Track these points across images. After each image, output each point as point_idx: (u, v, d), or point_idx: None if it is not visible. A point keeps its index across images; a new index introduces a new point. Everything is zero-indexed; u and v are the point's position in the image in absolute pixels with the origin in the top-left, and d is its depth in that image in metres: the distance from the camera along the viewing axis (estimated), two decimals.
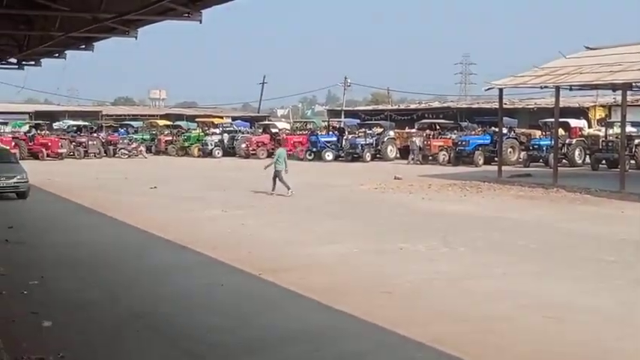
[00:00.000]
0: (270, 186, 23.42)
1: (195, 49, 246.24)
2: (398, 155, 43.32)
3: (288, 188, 22.95)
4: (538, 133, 39.99)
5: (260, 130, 51.85)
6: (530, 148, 37.43)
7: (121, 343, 8.11)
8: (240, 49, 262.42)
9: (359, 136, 44.16)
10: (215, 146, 47.50)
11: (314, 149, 43.11)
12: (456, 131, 42.63)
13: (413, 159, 39.90)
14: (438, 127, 44.45)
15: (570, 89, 31.65)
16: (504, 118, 34.40)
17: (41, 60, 24.85)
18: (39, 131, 47.60)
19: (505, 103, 35.66)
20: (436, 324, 8.83)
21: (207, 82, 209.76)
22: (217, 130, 52.07)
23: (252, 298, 10.28)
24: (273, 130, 50.53)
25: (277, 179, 23.40)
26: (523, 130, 42.18)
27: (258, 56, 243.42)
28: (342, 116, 59.95)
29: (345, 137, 44.09)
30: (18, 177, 21.77)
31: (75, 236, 15.52)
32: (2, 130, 48.25)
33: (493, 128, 38.38)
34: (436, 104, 65.50)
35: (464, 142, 38.63)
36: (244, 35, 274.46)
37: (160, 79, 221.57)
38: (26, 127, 49.59)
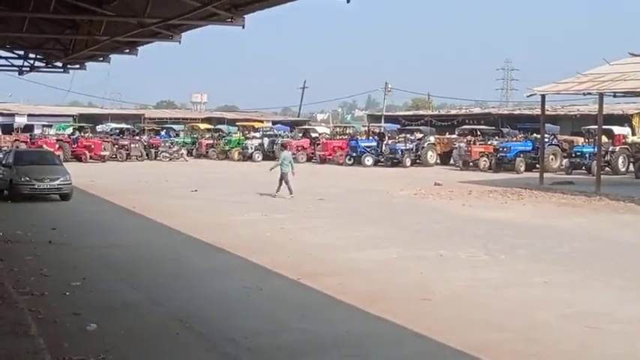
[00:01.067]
0: (285, 192, 23.73)
1: (237, 53, 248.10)
2: (438, 161, 43.19)
3: (291, 192, 23.53)
4: (581, 140, 39.51)
5: (300, 135, 52.03)
6: (573, 155, 36.96)
7: (160, 346, 8.17)
8: (281, 53, 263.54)
9: (399, 142, 44.10)
10: (255, 150, 47.79)
11: (354, 154, 43.13)
12: (497, 137, 42.33)
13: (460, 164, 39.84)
14: (479, 133, 44.19)
15: (614, 96, 31.22)
16: (546, 125, 34.05)
17: (86, 64, 25.29)
18: (82, 134, 48.38)
19: (547, 110, 35.32)
20: (476, 332, 8.75)
21: (248, 86, 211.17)
22: (258, 134, 52.47)
23: (291, 302, 10.29)
24: (313, 135, 50.67)
25: (283, 181, 23.95)
26: (565, 137, 41.71)
27: (299, 61, 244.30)
28: (382, 121, 59.86)
29: (385, 142, 44.03)
30: (61, 179, 22.14)
31: (116, 238, 15.69)
32: (47, 133, 49.09)
33: (535, 135, 37.99)
34: (477, 110, 65.11)
35: (505, 149, 38.30)
36: (286, 40, 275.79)
37: (201, 83, 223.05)
38: (70, 130, 50.41)
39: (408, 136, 45.36)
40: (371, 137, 46.56)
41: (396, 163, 41.69)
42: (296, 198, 23.29)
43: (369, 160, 42.28)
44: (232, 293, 10.70)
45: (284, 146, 34.14)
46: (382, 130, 47.65)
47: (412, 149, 42.75)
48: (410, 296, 10.55)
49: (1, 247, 13.73)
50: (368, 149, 43.44)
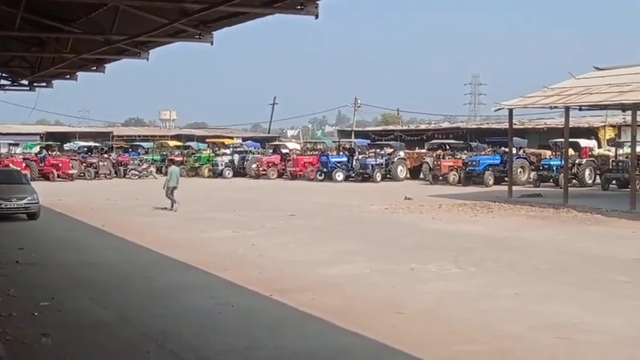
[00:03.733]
0: (168, 203, 25.28)
1: (206, 70, 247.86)
2: (408, 175, 43.39)
3: (173, 204, 25.14)
4: (548, 153, 39.97)
5: (270, 151, 52.03)
6: (541, 168, 37.36)
7: None
8: (250, 70, 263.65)
9: (369, 157, 44.26)
10: (226, 167, 47.69)
11: (324, 170, 43.20)
12: (466, 151, 42.66)
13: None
14: (448, 148, 44.52)
15: (580, 109, 31.63)
16: (514, 139, 34.41)
17: (52, 82, 25.08)
18: (50, 152, 47.87)
19: (515, 124, 35.68)
20: (448, 344, 8.78)
21: (217, 102, 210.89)
22: (228, 151, 52.44)
23: (264, 318, 10.24)
24: (284, 151, 50.71)
25: (171, 194, 25.36)
26: (533, 150, 42.18)
27: (268, 77, 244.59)
28: (353, 137, 60.10)
29: (355, 157, 44.20)
30: (29, 198, 21.85)
31: (85, 257, 15.54)
32: (13, 152, 48.53)
33: (503, 148, 38.39)
34: (446, 124, 65.69)
35: (474, 163, 38.63)
36: (255, 56, 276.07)
37: (170, 100, 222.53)
38: (37, 149, 49.89)
39: (378, 151, 45.56)
40: (341, 153, 46.73)
41: (367, 178, 41.82)
42: (267, 215, 23.26)
43: (339, 176, 42.36)
44: (204, 310, 10.62)
45: (172, 161, 35.47)
46: (352, 146, 47.83)
47: (382, 164, 42.92)
48: (382, 310, 10.55)
49: None
50: (338, 165, 43.54)
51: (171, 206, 25.11)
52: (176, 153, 54.08)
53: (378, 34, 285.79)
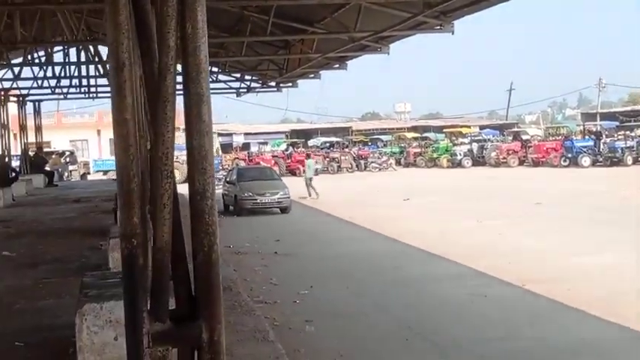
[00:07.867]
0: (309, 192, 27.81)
1: (436, 59, 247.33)
2: None
3: (310, 193, 27.59)
4: None
5: (510, 138, 50.88)
6: None
7: (391, 350, 8.31)
8: (484, 56, 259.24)
9: (618, 139, 41.87)
10: (464, 156, 47.37)
11: (569, 155, 41.50)
12: None
13: None
14: None
15: None
16: None
17: (297, 81, 26.40)
18: (295, 149, 50.27)
19: None
20: None
21: (450, 91, 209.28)
22: (466, 140, 51.96)
23: (518, 309, 10.07)
24: (524, 137, 49.36)
25: (309, 185, 27.48)
26: None
27: (503, 62, 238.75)
28: (598, 119, 57.08)
29: (602, 141, 41.98)
30: (281, 193, 23.17)
31: (335, 248, 16.15)
32: (263, 150, 51.56)
33: None
34: None
35: None
36: (488, 42, 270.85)
37: (403, 92, 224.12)
38: (284, 146, 52.59)
39: (628, 133, 42.97)
40: (587, 137, 44.59)
41: (616, 162, 39.58)
42: (511, 203, 22.79)
43: (586, 161, 40.48)
44: (456, 300, 10.64)
45: (307, 155, 36.78)
46: (599, 129, 45.48)
47: (633, 147, 40.47)
48: None
49: (233, 258, 14.53)
50: (584, 149, 41.60)
51: (310, 195, 27.44)
52: (414, 145, 54.57)
53: (621, 4, 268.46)
